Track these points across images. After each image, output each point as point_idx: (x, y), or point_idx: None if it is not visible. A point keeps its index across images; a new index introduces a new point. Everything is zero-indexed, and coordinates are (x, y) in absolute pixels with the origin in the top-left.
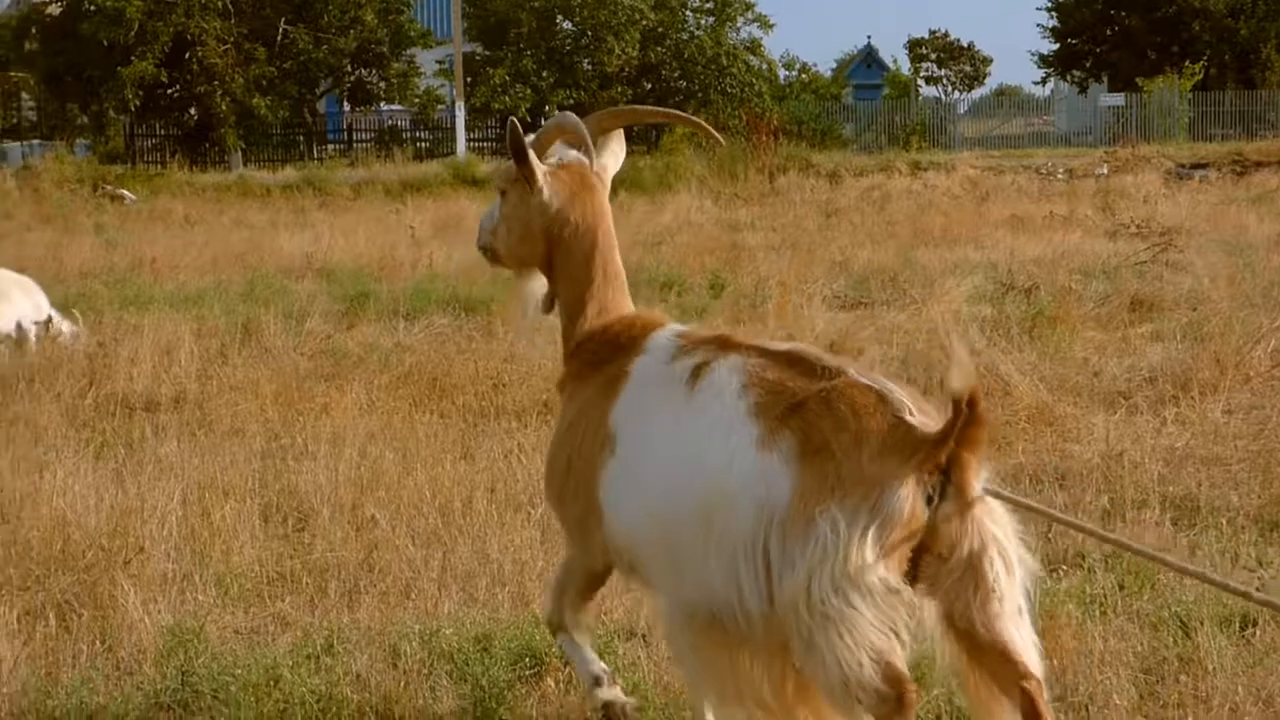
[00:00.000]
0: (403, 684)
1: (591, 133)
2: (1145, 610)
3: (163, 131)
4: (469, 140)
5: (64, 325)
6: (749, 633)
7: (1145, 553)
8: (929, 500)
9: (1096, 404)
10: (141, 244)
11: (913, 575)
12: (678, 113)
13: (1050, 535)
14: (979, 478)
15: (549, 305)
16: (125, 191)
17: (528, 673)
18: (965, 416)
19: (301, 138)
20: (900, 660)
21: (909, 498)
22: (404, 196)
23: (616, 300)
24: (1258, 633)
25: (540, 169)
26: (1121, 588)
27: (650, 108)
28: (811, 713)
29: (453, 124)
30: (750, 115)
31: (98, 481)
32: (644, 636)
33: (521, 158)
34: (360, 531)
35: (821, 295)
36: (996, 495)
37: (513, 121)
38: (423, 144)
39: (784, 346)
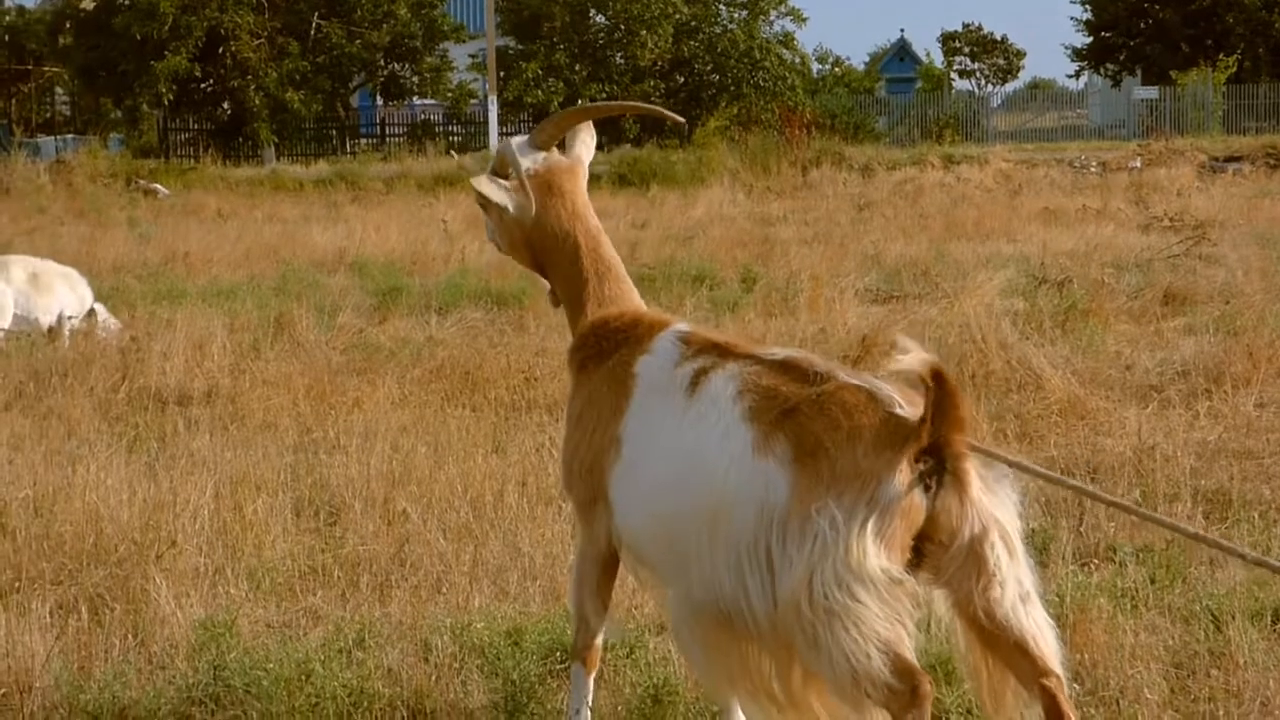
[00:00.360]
0: (434, 678)
1: (550, 136)
2: (1176, 604)
3: (196, 126)
4: (502, 134)
5: (110, 320)
6: (756, 631)
7: (1144, 515)
8: (926, 488)
9: (1129, 397)
10: (174, 238)
11: (917, 565)
12: (634, 104)
13: (1081, 529)
14: (970, 459)
15: (555, 301)
16: (158, 186)
17: (559, 667)
18: (936, 393)
19: (334, 132)
20: (909, 652)
21: (905, 486)
22: (436, 191)
23: (615, 291)
24: None
25: (497, 190)
26: (1153, 581)
27: (607, 103)
28: (822, 703)
29: (486, 118)
30: (783, 109)
31: (130, 475)
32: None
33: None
34: (391, 525)
35: (854, 289)
36: (976, 449)
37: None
38: (455, 138)
39: (780, 354)
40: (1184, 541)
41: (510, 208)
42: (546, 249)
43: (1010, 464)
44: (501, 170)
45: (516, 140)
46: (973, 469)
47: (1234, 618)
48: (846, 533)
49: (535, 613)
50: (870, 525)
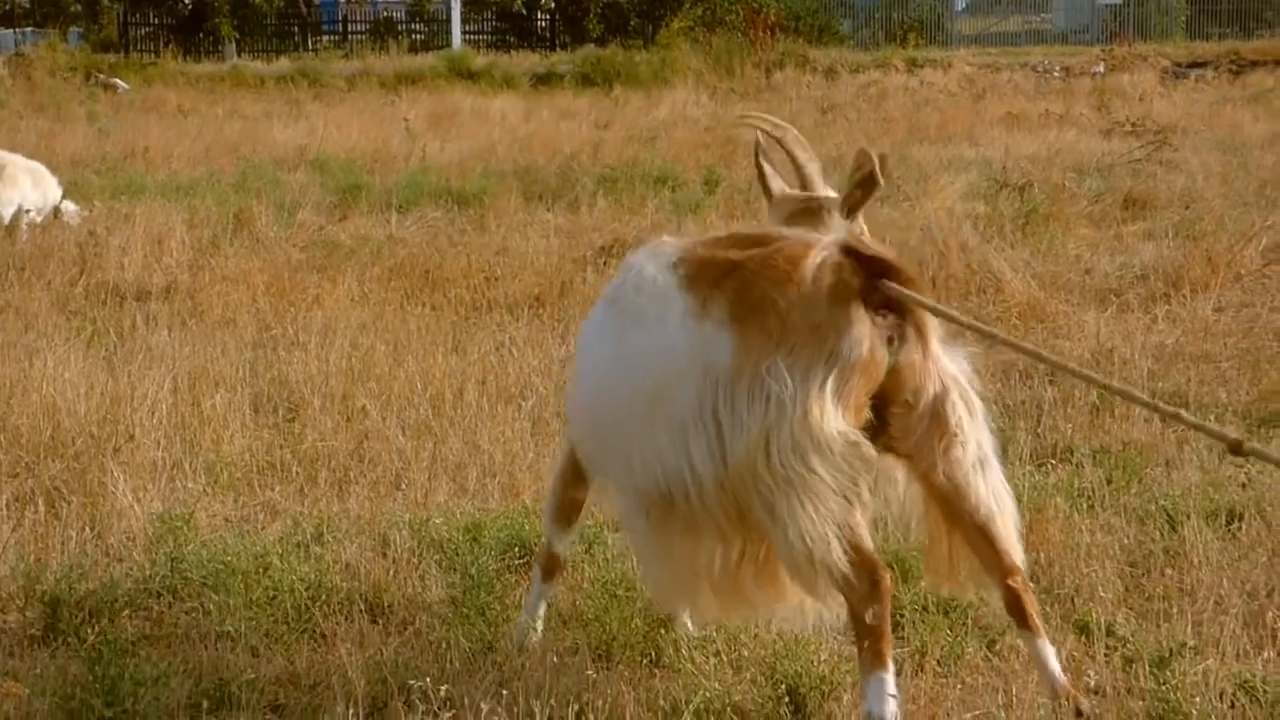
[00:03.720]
0: (392, 573)
1: None
2: (1132, 504)
3: (156, 20)
4: (464, 33)
5: (76, 217)
6: (703, 507)
7: (1061, 365)
8: (889, 341)
9: (1088, 301)
10: (134, 134)
11: (879, 430)
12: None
13: (1039, 430)
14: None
15: None
16: (118, 81)
17: (517, 562)
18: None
19: (296, 28)
20: (868, 542)
21: (866, 339)
22: (398, 89)
23: None
24: (1243, 527)
25: None
26: (1109, 482)
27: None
28: (772, 595)
29: (448, 16)
30: (747, 10)
31: (88, 369)
32: None
33: None
34: (351, 422)
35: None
36: (898, 294)
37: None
38: (418, 36)
39: (726, 231)
40: (1141, 444)
41: None
42: None
43: (941, 315)
44: None
45: None
46: (933, 323)
47: (1189, 518)
48: (804, 392)
49: (494, 509)
50: (830, 384)
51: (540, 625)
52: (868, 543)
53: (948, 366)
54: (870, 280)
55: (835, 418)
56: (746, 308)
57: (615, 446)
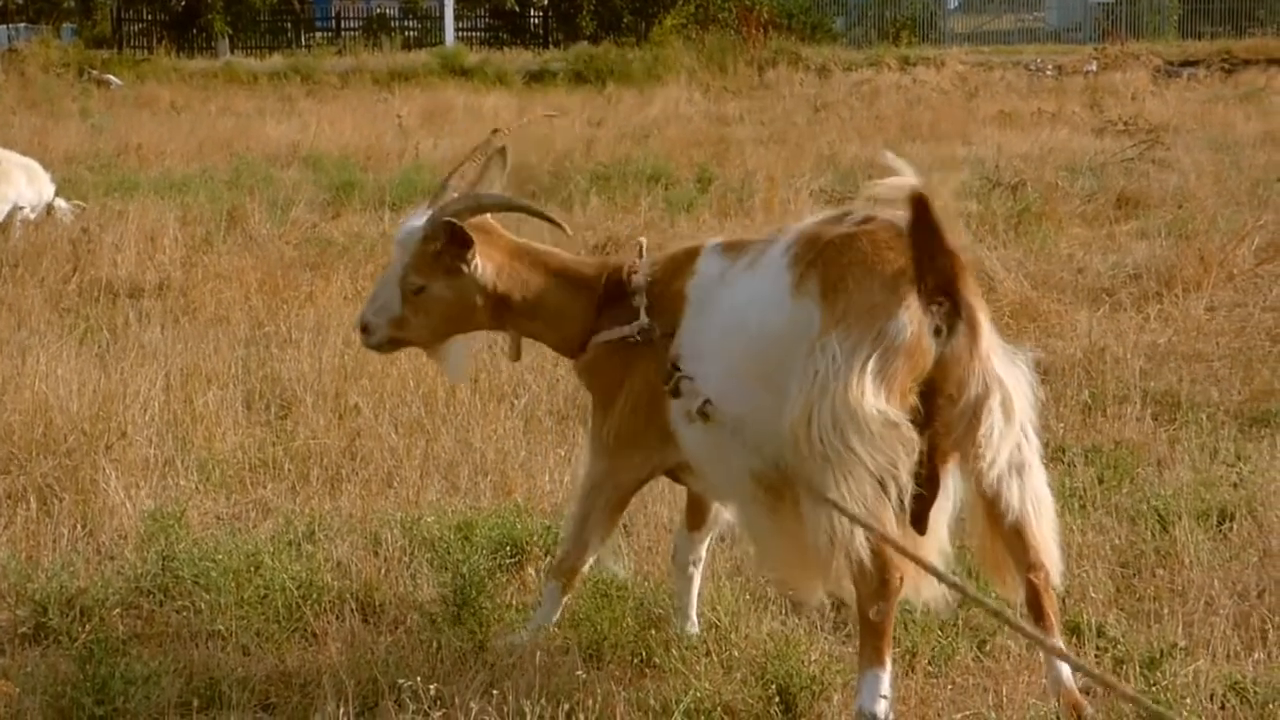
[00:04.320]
0: (383, 571)
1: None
2: (1124, 504)
3: (150, 17)
4: (457, 30)
5: (68, 209)
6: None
7: None
8: (937, 331)
9: (1080, 300)
10: (127, 130)
11: (925, 421)
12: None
13: None
14: (985, 310)
15: (517, 352)
16: (111, 77)
17: (508, 561)
18: (917, 217)
19: (290, 25)
20: (890, 538)
21: (911, 324)
22: (392, 86)
23: (576, 273)
24: (1234, 527)
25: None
26: (1100, 482)
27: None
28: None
29: (441, 13)
30: (740, 8)
31: (81, 366)
32: (624, 526)
33: (467, 243)
34: (343, 419)
35: (809, 189)
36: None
37: (447, 223)
38: (411, 33)
39: (839, 209)
40: (1133, 445)
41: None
42: (513, 302)
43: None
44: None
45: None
46: (986, 321)
47: (1180, 518)
48: (847, 370)
49: (485, 508)
50: (872, 363)
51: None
52: (890, 539)
53: (995, 367)
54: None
55: (875, 396)
56: (829, 285)
57: (733, 433)
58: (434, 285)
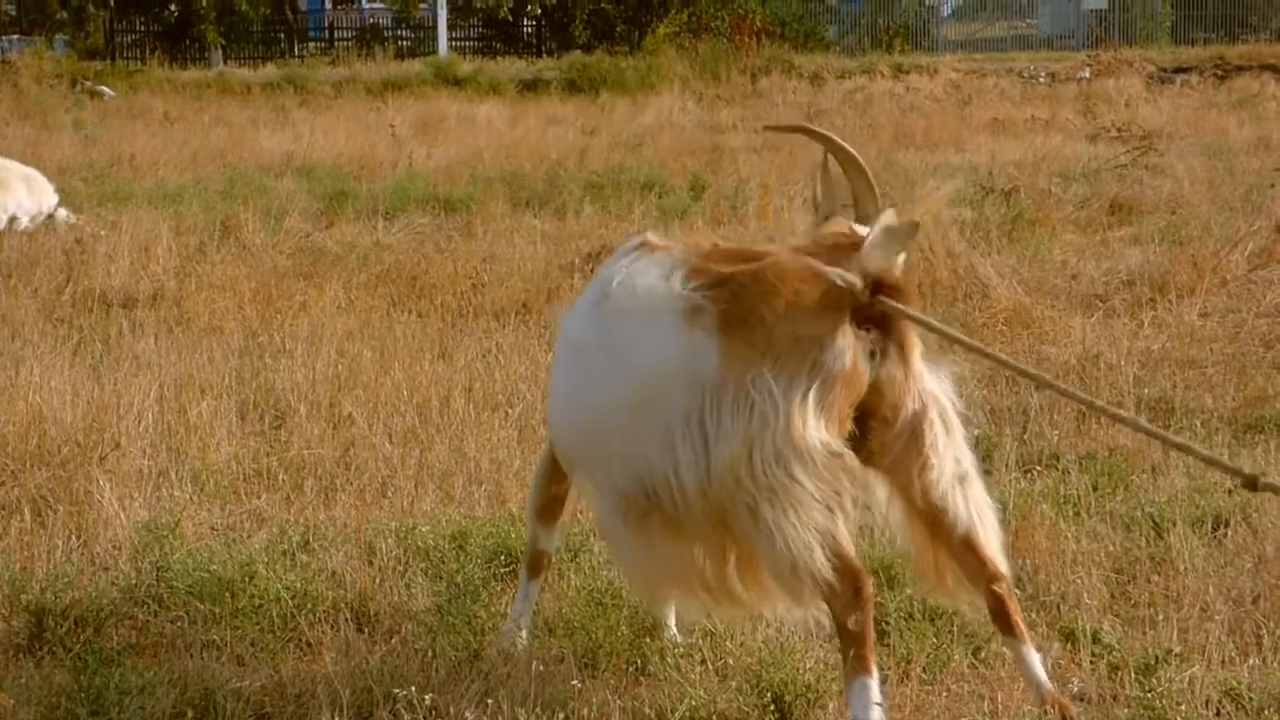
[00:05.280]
0: (378, 581)
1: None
2: (1118, 511)
3: (143, 27)
4: (451, 40)
5: (70, 218)
6: (686, 511)
7: (1068, 392)
8: (871, 355)
9: (1074, 306)
10: (121, 141)
11: (860, 444)
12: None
13: (1025, 437)
14: (913, 330)
15: None
16: (104, 88)
17: (503, 570)
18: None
19: (282, 35)
20: (851, 549)
21: (848, 351)
22: (385, 95)
23: None
24: (1229, 533)
25: None
26: (1095, 488)
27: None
28: (758, 593)
29: (435, 23)
30: (733, 16)
31: (74, 377)
32: None
33: None
34: (337, 429)
35: (802, 197)
36: (894, 310)
37: None
38: (404, 43)
39: (711, 242)
40: (1127, 451)
41: None
42: None
43: (943, 334)
44: None
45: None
46: (916, 341)
47: (1175, 524)
48: (787, 404)
49: (480, 517)
50: (812, 395)
51: (527, 630)
52: (850, 550)
53: (928, 384)
54: (864, 294)
55: (818, 428)
56: (736, 319)
57: (597, 444)
58: None
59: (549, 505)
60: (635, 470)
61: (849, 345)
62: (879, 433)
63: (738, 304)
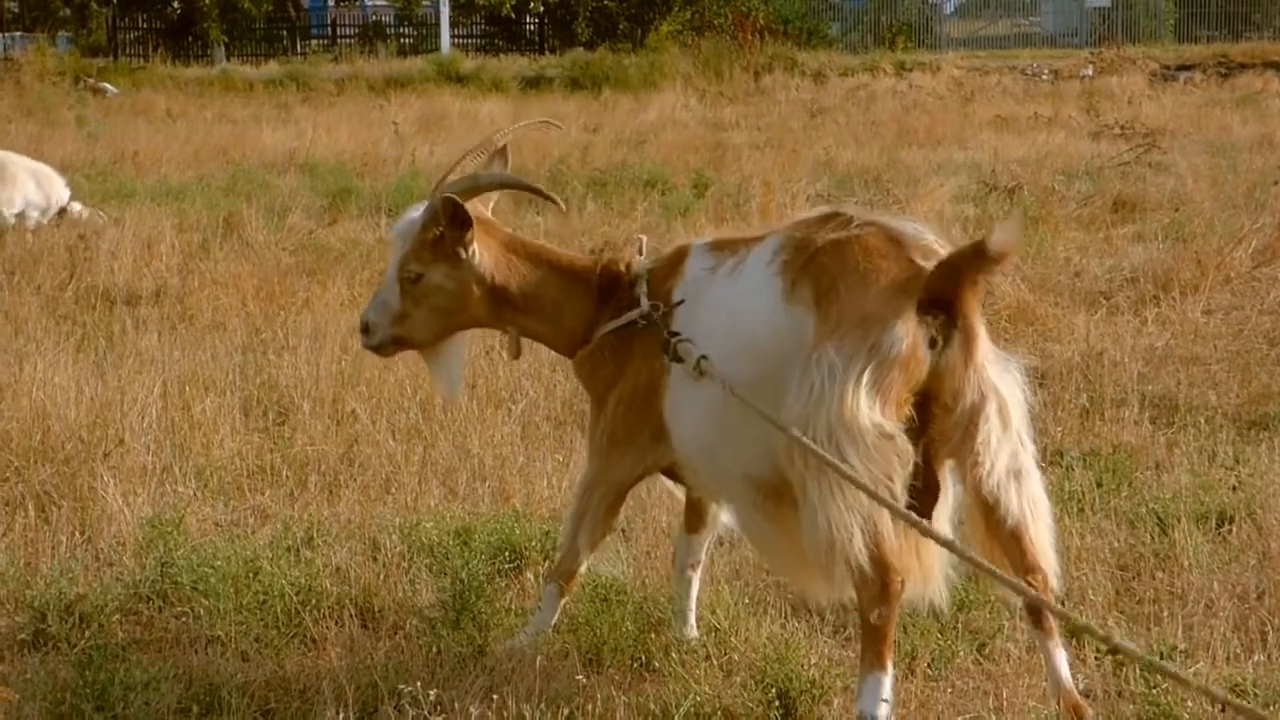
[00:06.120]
0: (382, 577)
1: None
2: (1123, 508)
3: (145, 24)
4: (453, 37)
5: (84, 212)
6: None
7: None
8: (933, 343)
9: (1078, 304)
10: (123, 138)
11: (921, 430)
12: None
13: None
14: (982, 321)
15: (516, 349)
16: (107, 85)
17: (507, 566)
18: (979, 257)
19: (285, 32)
20: (889, 542)
21: (908, 336)
22: (387, 93)
23: (571, 266)
24: (1234, 530)
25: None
26: (1099, 485)
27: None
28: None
29: (438, 20)
30: (736, 14)
31: (78, 374)
32: (622, 531)
33: (466, 224)
34: (341, 426)
35: (805, 195)
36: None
37: (449, 199)
38: (407, 40)
39: (825, 209)
40: (1131, 448)
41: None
42: (510, 294)
43: None
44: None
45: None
46: (982, 331)
47: (1179, 521)
48: (843, 381)
49: (484, 513)
50: (867, 375)
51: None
52: (889, 542)
53: (990, 375)
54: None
55: (870, 409)
56: (822, 293)
57: (727, 437)
58: (432, 273)
59: (604, 537)
60: (766, 448)
61: (909, 330)
62: (940, 420)
63: (825, 277)
